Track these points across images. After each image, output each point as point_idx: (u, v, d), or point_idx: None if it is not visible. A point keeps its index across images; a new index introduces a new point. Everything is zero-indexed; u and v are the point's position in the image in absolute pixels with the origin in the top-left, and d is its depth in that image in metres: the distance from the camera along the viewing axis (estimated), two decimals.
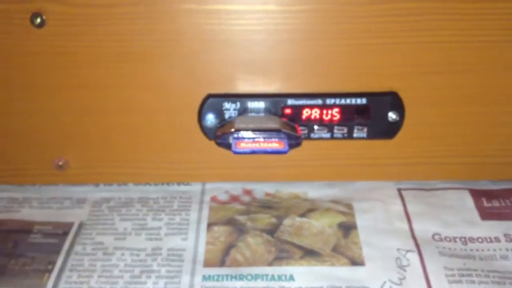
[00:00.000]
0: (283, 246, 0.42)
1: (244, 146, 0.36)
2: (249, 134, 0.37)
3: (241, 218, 0.45)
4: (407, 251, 0.42)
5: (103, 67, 0.42)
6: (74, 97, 0.43)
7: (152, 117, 0.44)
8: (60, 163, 0.46)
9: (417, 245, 0.42)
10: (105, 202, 0.46)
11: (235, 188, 0.48)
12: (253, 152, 0.36)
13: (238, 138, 0.37)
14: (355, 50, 0.41)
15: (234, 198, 0.47)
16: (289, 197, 0.47)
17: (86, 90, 0.43)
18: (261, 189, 0.48)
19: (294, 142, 0.38)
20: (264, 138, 0.37)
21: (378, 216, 0.45)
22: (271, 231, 0.43)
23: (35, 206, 0.46)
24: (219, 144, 0.38)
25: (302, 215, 0.45)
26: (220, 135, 0.38)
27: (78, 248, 0.42)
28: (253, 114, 0.42)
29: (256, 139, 0.37)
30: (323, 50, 0.41)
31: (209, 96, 0.43)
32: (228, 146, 0.38)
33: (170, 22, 0.40)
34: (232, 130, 0.38)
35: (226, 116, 0.43)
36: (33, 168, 0.47)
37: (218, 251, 0.42)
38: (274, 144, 0.36)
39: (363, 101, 0.43)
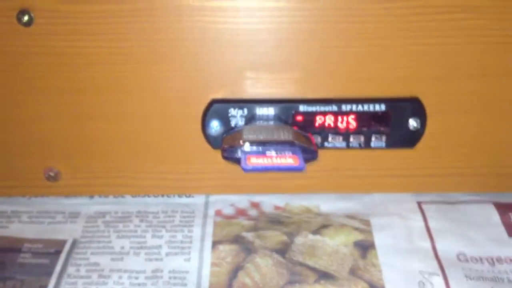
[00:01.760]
0: (296, 268, 0.38)
1: (255, 162, 0.32)
2: (259, 147, 0.33)
3: (249, 236, 0.41)
4: (431, 274, 0.38)
5: (96, 69, 0.38)
6: (65, 102, 0.39)
7: (150, 124, 0.40)
8: (51, 174, 0.42)
9: (441, 267, 0.39)
10: (101, 216, 0.43)
11: (241, 200, 0.44)
12: (265, 170, 0.32)
13: (247, 152, 0.33)
14: (374, 51, 0.38)
15: (241, 212, 0.43)
16: (300, 211, 0.43)
17: (78, 95, 0.39)
18: (269, 202, 0.44)
19: (310, 156, 0.34)
20: (277, 152, 0.33)
21: (398, 233, 0.41)
22: (282, 250, 0.40)
23: (24, 220, 0.42)
24: (226, 159, 0.35)
25: (315, 232, 0.41)
26: (227, 148, 0.34)
27: (71, 269, 0.38)
28: (262, 123, 0.38)
29: (267, 153, 0.33)
30: (339, 51, 0.38)
31: (213, 101, 0.39)
32: (236, 161, 0.34)
33: (170, 20, 0.36)
34: (241, 142, 0.34)
35: (232, 123, 0.39)
36: (22, 179, 0.43)
37: (224, 274, 0.38)
38: (288, 159, 0.32)
39: (382, 107, 0.39)
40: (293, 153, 0.33)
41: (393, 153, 0.42)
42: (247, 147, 0.34)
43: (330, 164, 0.42)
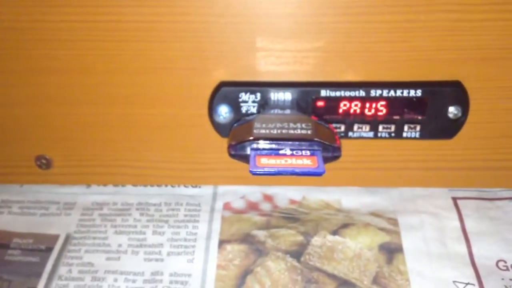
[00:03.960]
0: (311, 275, 0.34)
1: (265, 163, 0.27)
2: (272, 144, 0.28)
3: (260, 234, 0.37)
4: (466, 284, 0.33)
5: (89, 46, 0.33)
6: (56, 83, 0.35)
7: (152, 109, 0.36)
8: (43, 161, 0.38)
9: (478, 276, 0.34)
10: (98, 208, 0.39)
11: (253, 192, 0.40)
12: (276, 174, 0.27)
13: (258, 150, 0.28)
14: (409, 28, 0.32)
15: (252, 206, 0.39)
16: (319, 207, 0.39)
17: (70, 75, 0.34)
18: (284, 195, 0.40)
19: (331, 155, 0.29)
20: (292, 150, 0.28)
21: (430, 235, 0.36)
22: (297, 253, 0.35)
23: (15, 211, 0.39)
24: (233, 156, 0.30)
25: (335, 232, 0.37)
26: (235, 145, 0.29)
27: (62, 270, 0.35)
28: (277, 111, 0.33)
29: (281, 152, 0.28)
30: (367, 27, 0.32)
31: (222, 84, 0.34)
32: (245, 159, 0.29)
33: None
34: (251, 137, 0.29)
35: (243, 109, 0.34)
36: (13, 166, 0.39)
37: (231, 279, 0.34)
38: (305, 160, 0.28)
39: (417, 92, 0.34)
40: (312, 152, 0.28)
41: (427, 143, 0.37)
42: (258, 143, 0.29)
43: (354, 154, 0.37)
